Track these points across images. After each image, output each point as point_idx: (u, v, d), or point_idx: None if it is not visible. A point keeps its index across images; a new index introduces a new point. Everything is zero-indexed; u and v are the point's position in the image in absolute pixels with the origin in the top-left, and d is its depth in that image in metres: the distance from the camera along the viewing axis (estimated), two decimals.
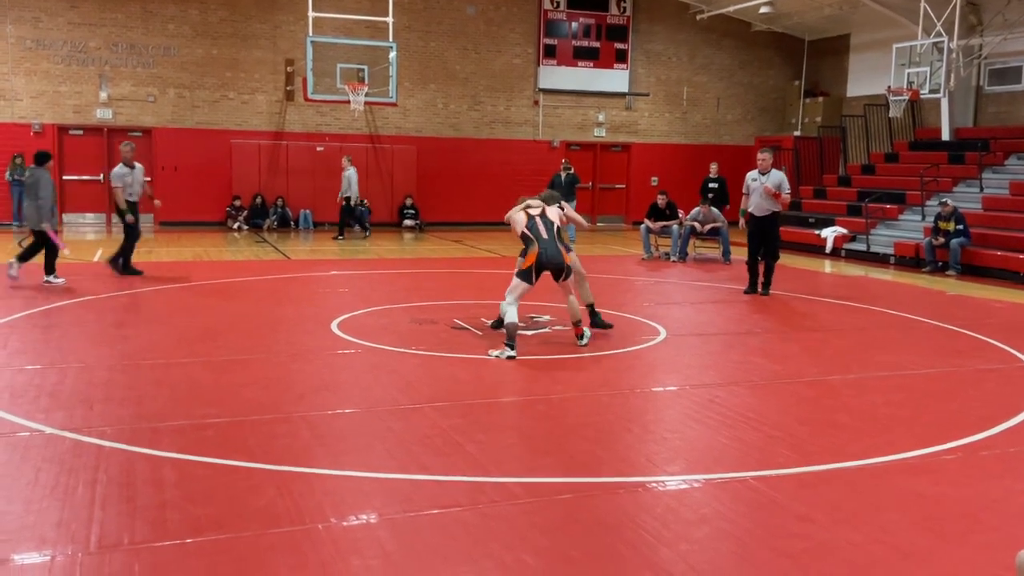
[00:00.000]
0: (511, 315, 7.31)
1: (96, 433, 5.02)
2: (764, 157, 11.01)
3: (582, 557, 3.63)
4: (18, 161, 18.40)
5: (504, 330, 7.37)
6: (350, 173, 17.84)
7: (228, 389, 6.10)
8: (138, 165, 11.90)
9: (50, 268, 10.68)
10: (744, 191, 11.30)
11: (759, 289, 11.13)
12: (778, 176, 10.96)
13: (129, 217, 11.65)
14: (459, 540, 3.76)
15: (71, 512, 3.93)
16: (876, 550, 3.75)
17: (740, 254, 15.24)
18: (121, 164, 11.68)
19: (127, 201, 11.67)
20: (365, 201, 20.30)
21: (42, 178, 10.69)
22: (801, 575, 3.52)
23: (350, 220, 18.58)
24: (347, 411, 5.70)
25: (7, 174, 18.61)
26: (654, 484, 4.49)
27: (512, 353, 7.16)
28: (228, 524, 3.83)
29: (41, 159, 10.89)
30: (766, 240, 11.02)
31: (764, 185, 10.86)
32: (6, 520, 3.84)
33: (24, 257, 10.82)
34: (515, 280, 7.49)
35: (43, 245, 10.74)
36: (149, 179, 12.53)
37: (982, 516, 4.17)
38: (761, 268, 11.18)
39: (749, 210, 11.13)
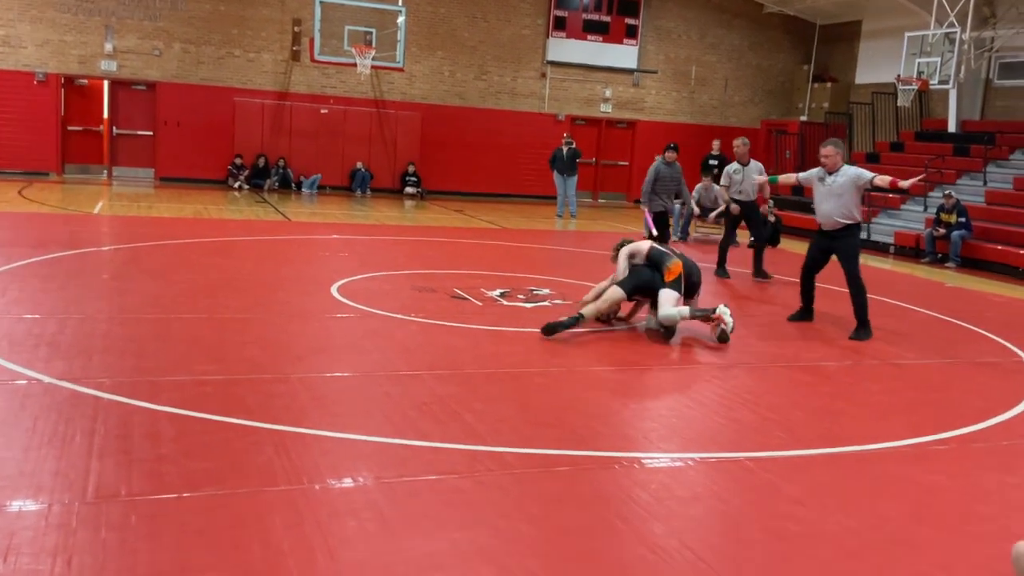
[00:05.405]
0: (681, 312, 7.32)
1: (94, 384, 5.02)
2: (828, 152, 7.95)
3: (576, 528, 3.65)
4: None
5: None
6: None
7: (227, 347, 6.10)
8: (753, 162, 11.03)
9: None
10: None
11: (854, 331, 8.07)
12: (853, 171, 7.91)
13: (768, 213, 11.45)
14: (455, 507, 3.77)
15: (68, 462, 3.93)
16: (870, 536, 3.77)
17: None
18: (735, 161, 11.13)
19: (733, 200, 11.09)
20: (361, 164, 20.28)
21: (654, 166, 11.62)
22: (794, 557, 3.55)
23: None
24: (345, 374, 5.71)
25: None
26: (649, 460, 4.51)
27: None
28: (225, 480, 3.85)
29: (668, 148, 11.60)
30: (843, 262, 8.14)
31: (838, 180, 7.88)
32: (4, 466, 3.84)
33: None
34: (670, 293, 7.33)
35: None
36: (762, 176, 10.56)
37: (976, 507, 4.20)
38: (809, 293, 8.67)
39: (819, 222, 8.27)
